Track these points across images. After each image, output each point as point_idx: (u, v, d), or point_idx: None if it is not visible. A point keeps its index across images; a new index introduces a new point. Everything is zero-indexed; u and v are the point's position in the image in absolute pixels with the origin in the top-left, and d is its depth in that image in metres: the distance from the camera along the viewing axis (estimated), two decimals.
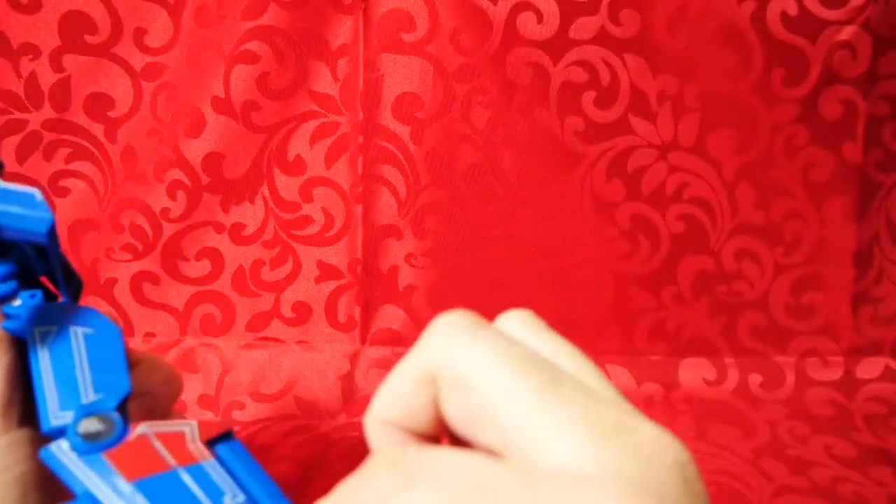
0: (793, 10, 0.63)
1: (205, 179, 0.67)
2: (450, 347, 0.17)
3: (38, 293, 0.27)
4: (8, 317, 0.26)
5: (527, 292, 0.70)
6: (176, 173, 0.67)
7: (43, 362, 0.24)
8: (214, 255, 0.69)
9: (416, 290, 0.70)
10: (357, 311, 0.71)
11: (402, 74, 0.65)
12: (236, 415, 0.66)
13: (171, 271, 0.69)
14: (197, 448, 0.22)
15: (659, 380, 0.70)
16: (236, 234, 0.69)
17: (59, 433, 0.23)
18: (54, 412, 0.23)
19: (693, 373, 0.71)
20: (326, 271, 0.70)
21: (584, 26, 0.64)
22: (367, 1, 0.64)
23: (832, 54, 0.64)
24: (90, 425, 0.22)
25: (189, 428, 0.23)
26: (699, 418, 0.66)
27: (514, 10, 0.64)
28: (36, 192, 0.25)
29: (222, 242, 0.69)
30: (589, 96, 0.66)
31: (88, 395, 0.23)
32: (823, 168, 0.67)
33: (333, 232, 0.70)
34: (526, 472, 0.15)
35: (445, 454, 0.16)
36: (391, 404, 0.19)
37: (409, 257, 0.69)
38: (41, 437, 0.25)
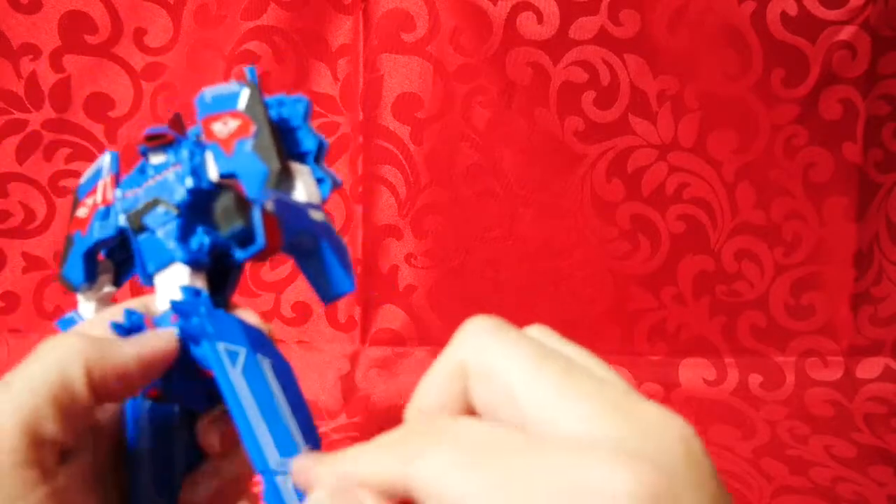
0: (793, 10, 0.63)
1: None
2: (477, 345, 0.21)
3: (204, 292, 0.25)
4: (181, 314, 0.24)
5: (527, 292, 0.70)
6: None
7: (242, 392, 0.23)
8: None
9: (416, 290, 0.70)
10: (357, 311, 0.71)
11: (402, 74, 0.65)
12: None
13: None
14: None
15: (659, 380, 0.70)
16: None
17: (269, 473, 0.22)
18: (274, 457, 0.22)
19: (693, 373, 0.71)
20: None
21: (584, 26, 0.64)
22: (367, 1, 0.64)
23: (832, 54, 0.64)
24: None
25: None
26: (699, 418, 0.66)
27: (514, 10, 0.64)
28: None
29: None
30: (589, 96, 0.66)
31: (302, 445, 0.23)
32: (823, 168, 0.67)
33: None
34: (536, 437, 0.18)
35: (465, 421, 0.20)
36: (428, 396, 0.22)
37: (409, 257, 0.69)
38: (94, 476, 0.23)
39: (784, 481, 0.57)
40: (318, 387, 0.68)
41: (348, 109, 0.67)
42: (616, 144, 0.67)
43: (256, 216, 0.22)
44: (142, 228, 0.25)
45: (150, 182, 0.25)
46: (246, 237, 0.23)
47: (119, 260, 0.28)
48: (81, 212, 0.28)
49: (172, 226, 0.25)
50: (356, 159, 0.68)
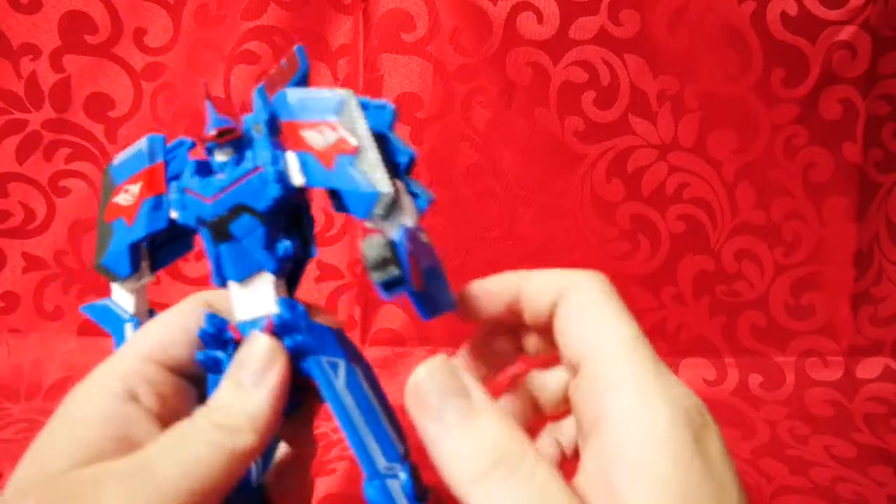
0: (793, 10, 0.63)
1: None
2: (584, 281, 0.26)
3: (300, 305, 0.25)
4: (284, 332, 0.24)
5: None
6: None
7: (348, 403, 0.24)
8: None
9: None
10: (357, 311, 0.71)
11: (402, 74, 0.65)
12: None
13: (172, 271, 0.69)
14: None
15: None
16: None
17: (379, 478, 0.23)
18: (382, 462, 0.23)
19: (693, 373, 0.71)
20: (326, 271, 0.70)
21: (584, 26, 0.64)
22: (367, 1, 0.64)
23: (832, 54, 0.64)
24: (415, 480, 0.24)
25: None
26: None
27: (514, 10, 0.64)
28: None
29: None
30: (589, 96, 0.66)
31: (400, 447, 0.24)
32: (823, 168, 0.67)
33: (333, 232, 0.70)
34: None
35: None
36: (524, 280, 0.26)
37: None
38: None
39: (784, 481, 0.57)
40: None
41: None
42: (616, 144, 0.67)
43: (404, 260, 0.22)
44: (227, 236, 0.25)
45: (231, 186, 0.25)
46: (393, 281, 0.23)
47: (152, 248, 0.28)
48: (123, 199, 0.27)
49: (259, 234, 0.24)
50: None
